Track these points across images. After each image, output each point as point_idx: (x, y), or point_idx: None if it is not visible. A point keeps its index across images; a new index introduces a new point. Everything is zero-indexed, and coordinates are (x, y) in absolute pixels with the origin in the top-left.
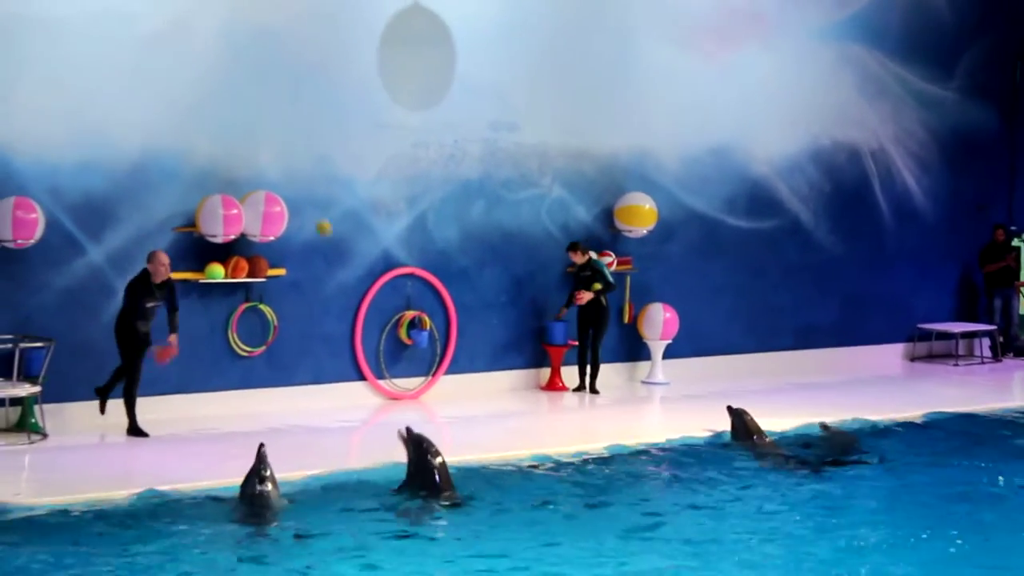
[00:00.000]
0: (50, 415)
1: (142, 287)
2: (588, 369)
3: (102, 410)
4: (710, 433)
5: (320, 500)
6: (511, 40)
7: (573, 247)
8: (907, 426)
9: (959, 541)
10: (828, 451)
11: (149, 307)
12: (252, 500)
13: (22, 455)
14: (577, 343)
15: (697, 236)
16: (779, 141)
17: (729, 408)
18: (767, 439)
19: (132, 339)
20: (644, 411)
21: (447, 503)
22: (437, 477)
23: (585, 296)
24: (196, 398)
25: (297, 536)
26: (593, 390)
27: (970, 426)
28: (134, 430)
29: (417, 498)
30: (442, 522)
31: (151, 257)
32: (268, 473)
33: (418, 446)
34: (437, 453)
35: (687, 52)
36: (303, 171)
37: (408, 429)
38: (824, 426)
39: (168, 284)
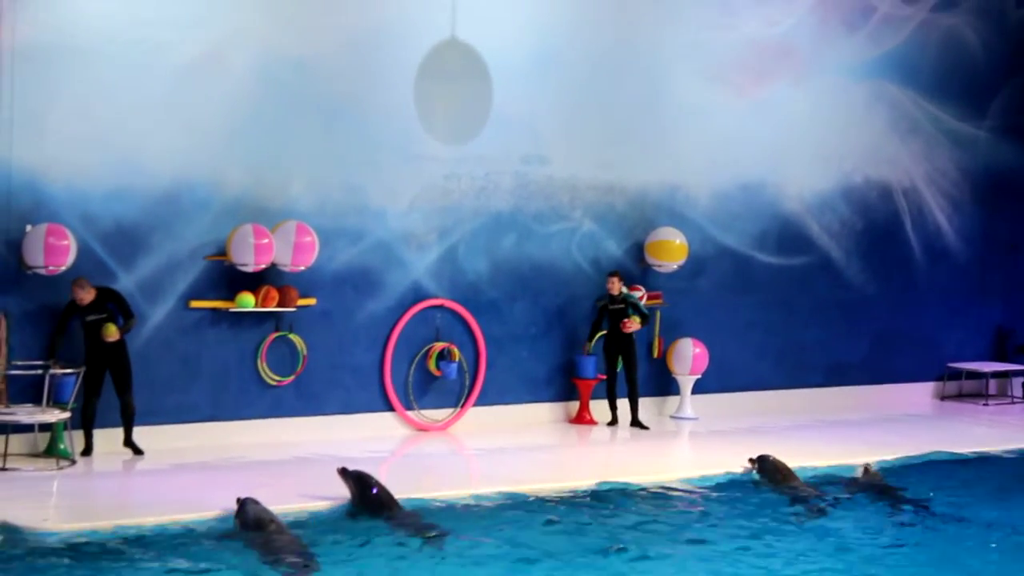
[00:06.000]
0: (79, 441)
1: (69, 306)
2: (628, 403)
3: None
4: (739, 470)
5: (343, 529)
6: (544, 74)
7: (616, 275)
8: (939, 465)
9: None
10: (860, 492)
11: (89, 320)
12: (263, 535)
13: (51, 480)
14: (605, 377)
15: (728, 272)
16: (810, 178)
17: (751, 460)
18: (797, 480)
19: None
20: (673, 446)
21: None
22: (384, 507)
23: (632, 325)
24: (225, 426)
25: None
26: (639, 424)
27: (1003, 467)
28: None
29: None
30: (462, 554)
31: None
32: (266, 518)
33: (359, 481)
34: (377, 483)
35: (719, 88)
36: (335, 201)
37: (344, 468)
38: (866, 468)
39: (103, 299)
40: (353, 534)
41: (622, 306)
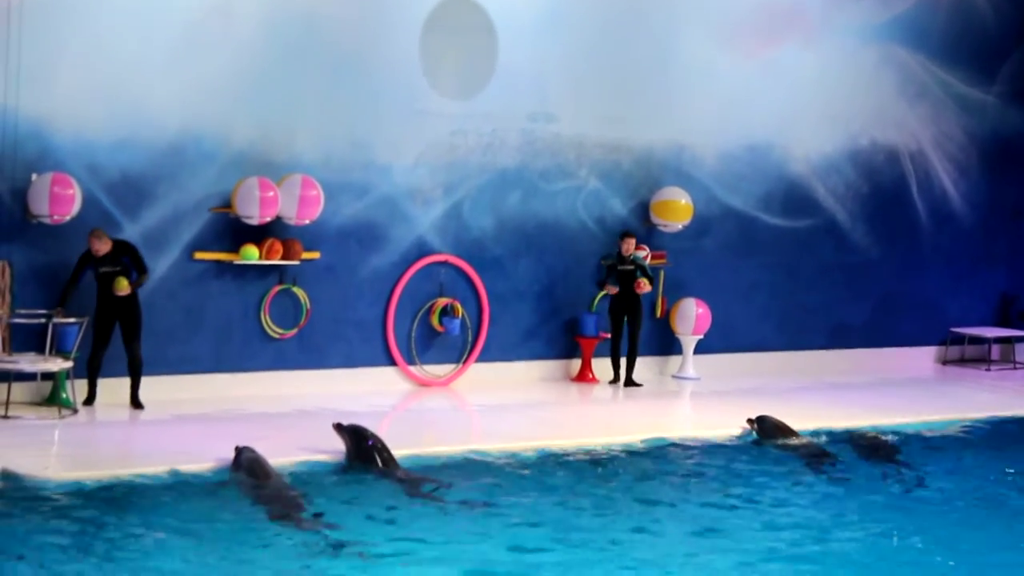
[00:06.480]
0: (81, 390)
1: (84, 256)
2: (624, 362)
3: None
4: (740, 430)
5: (341, 482)
6: (552, 31)
7: (632, 236)
8: (938, 429)
9: (986, 546)
10: (861, 452)
11: (103, 272)
12: (258, 484)
13: (52, 429)
14: (610, 336)
15: (732, 233)
16: (817, 140)
17: (749, 420)
18: (800, 437)
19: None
20: (674, 405)
21: (404, 481)
22: (379, 460)
23: (645, 287)
24: (227, 378)
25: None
26: (632, 383)
27: (1002, 431)
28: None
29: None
30: (455, 513)
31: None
32: (262, 468)
33: (354, 435)
34: (372, 435)
35: (728, 48)
36: (340, 155)
37: (339, 423)
38: (864, 434)
39: (118, 252)
40: (350, 487)
41: (631, 267)
